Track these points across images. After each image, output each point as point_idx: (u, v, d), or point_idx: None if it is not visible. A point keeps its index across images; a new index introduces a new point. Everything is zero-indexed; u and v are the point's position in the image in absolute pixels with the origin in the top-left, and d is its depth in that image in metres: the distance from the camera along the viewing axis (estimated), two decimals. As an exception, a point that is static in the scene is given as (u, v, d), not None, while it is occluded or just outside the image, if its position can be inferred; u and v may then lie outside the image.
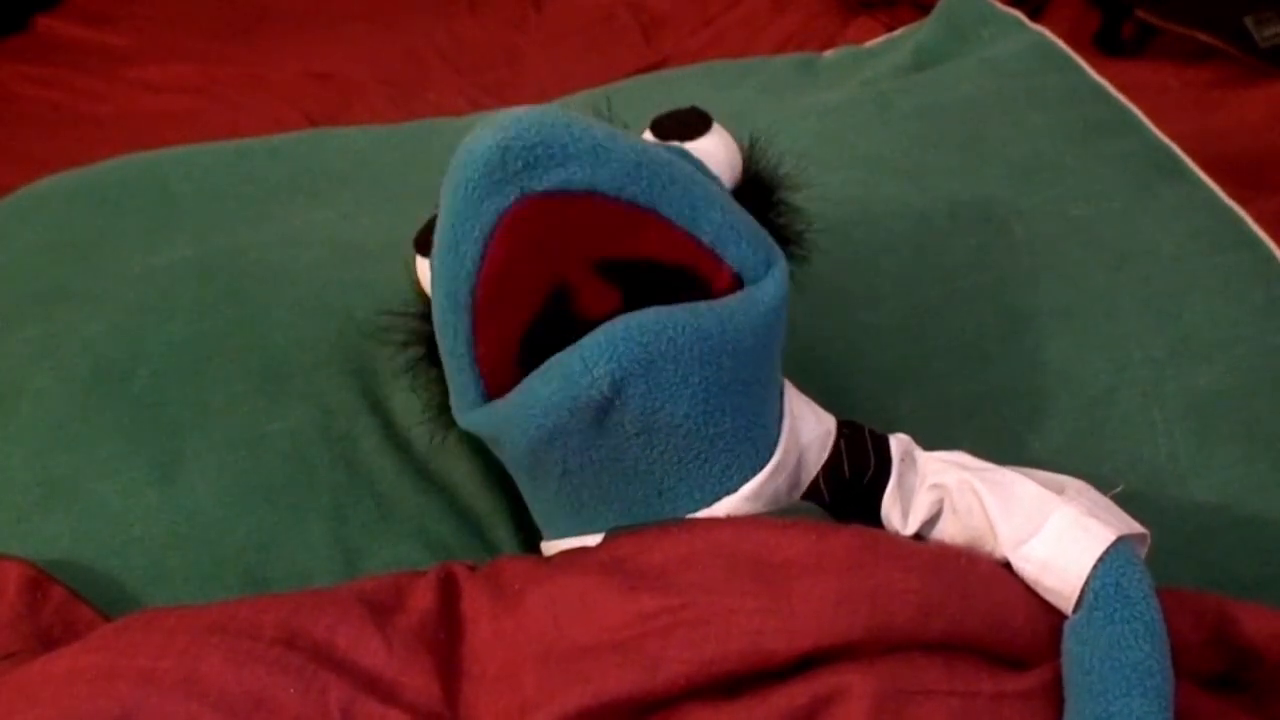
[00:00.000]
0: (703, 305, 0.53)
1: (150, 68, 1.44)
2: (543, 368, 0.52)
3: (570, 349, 0.51)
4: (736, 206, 0.56)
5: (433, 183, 0.62)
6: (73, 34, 1.52)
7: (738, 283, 0.55)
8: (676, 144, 0.58)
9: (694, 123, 0.59)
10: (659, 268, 0.53)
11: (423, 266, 0.60)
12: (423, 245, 0.60)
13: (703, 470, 0.53)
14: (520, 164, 0.50)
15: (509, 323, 0.53)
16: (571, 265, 0.52)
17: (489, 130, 0.50)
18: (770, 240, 0.57)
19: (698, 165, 0.57)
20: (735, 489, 0.54)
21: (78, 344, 0.69)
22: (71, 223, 0.79)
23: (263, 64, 1.45)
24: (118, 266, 0.74)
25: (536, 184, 0.50)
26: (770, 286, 0.55)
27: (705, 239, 0.54)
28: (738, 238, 0.54)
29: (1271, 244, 0.79)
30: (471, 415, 0.56)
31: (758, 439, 0.55)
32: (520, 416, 0.53)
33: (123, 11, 1.55)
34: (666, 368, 0.50)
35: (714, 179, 0.58)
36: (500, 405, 0.54)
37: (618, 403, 0.50)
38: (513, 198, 0.50)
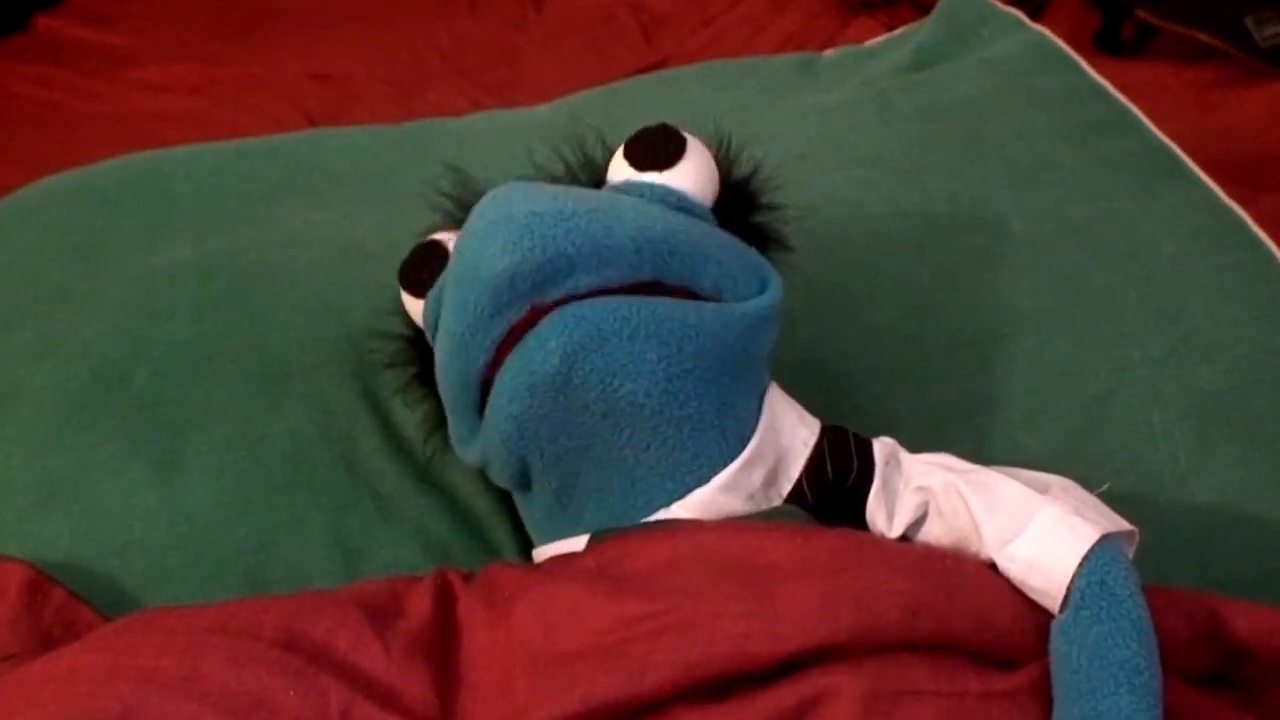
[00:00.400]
0: (667, 299, 0.53)
1: (150, 68, 1.44)
2: (505, 362, 0.53)
3: (526, 335, 0.52)
4: (727, 244, 0.57)
5: (433, 183, 0.62)
6: (73, 34, 1.52)
7: None
8: (654, 176, 0.58)
9: (669, 147, 0.59)
10: None
11: (410, 301, 0.61)
12: (408, 282, 0.60)
13: (671, 457, 0.54)
14: (528, 285, 0.51)
15: None
16: None
17: (492, 252, 0.51)
18: (763, 264, 0.58)
19: (679, 201, 0.58)
20: (707, 479, 0.55)
21: (78, 344, 0.69)
22: (71, 223, 0.79)
23: (263, 64, 1.45)
24: (118, 266, 0.74)
25: (546, 297, 0.52)
26: (755, 301, 0.56)
27: (705, 291, 0.55)
28: (734, 282, 0.56)
29: (1271, 244, 0.79)
30: (465, 451, 0.58)
31: (728, 429, 0.55)
32: (494, 416, 0.54)
33: (123, 11, 1.55)
34: (621, 345, 0.51)
35: (698, 209, 0.58)
36: (483, 423, 0.56)
37: (575, 379, 0.51)
38: (523, 312, 0.52)
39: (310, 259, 0.74)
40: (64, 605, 0.58)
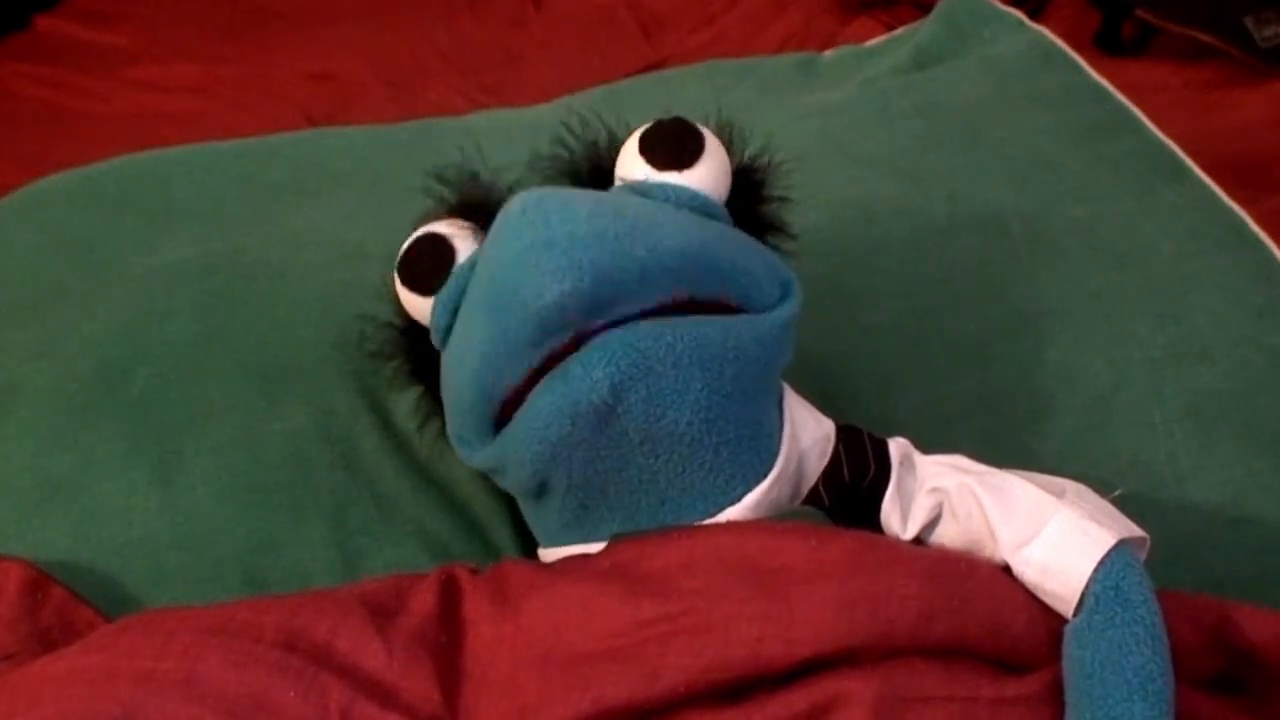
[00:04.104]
0: (704, 317, 0.53)
1: (150, 68, 1.44)
2: (543, 383, 0.52)
3: (568, 360, 0.51)
4: (751, 250, 0.57)
5: (435, 172, 0.61)
6: (73, 34, 1.52)
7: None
8: (674, 176, 0.57)
9: (687, 145, 0.57)
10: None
11: (409, 296, 0.59)
12: (408, 277, 0.58)
13: (707, 481, 0.53)
14: (576, 313, 0.50)
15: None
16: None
17: (540, 279, 0.49)
18: (783, 267, 0.58)
19: (703, 205, 0.57)
20: (739, 498, 0.54)
21: (78, 344, 0.69)
22: (71, 223, 0.79)
23: (263, 64, 1.45)
24: (118, 266, 0.74)
25: (590, 325, 0.51)
26: (780, 311, 0.56)
27: (732, 301, 0.54)
28: (759, 289, 0.55)
29: (1271, 244, 0.79)
30: (470, 454, 0.57)
31: (761, 448, 0.55)
32: (524, 434, 0.52)
33: (123, 11, 1.55)
34: (667, 373, 0.50)
35: (719, 211, 0.58)
36: (501, 436, 0.54)
37: (619, 410, 0.50)
38: (565, 340, 0.51)
39: (310, 259, 0.74)
40: (64, 604, 0.58)
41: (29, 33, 1.53)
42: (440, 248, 0.57)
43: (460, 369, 0.55)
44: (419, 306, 0.59)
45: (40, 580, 0.58)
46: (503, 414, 0.54)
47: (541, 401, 0.51)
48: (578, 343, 0.51)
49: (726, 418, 0.52)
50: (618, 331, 0.51)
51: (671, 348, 0.50)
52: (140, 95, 1.40)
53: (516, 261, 0.50)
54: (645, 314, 0.51)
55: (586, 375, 0.50)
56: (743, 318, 0.54)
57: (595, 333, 0.51)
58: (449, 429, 0.59)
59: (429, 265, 0.57)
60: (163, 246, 0.76)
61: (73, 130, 1.34)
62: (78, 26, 1.52)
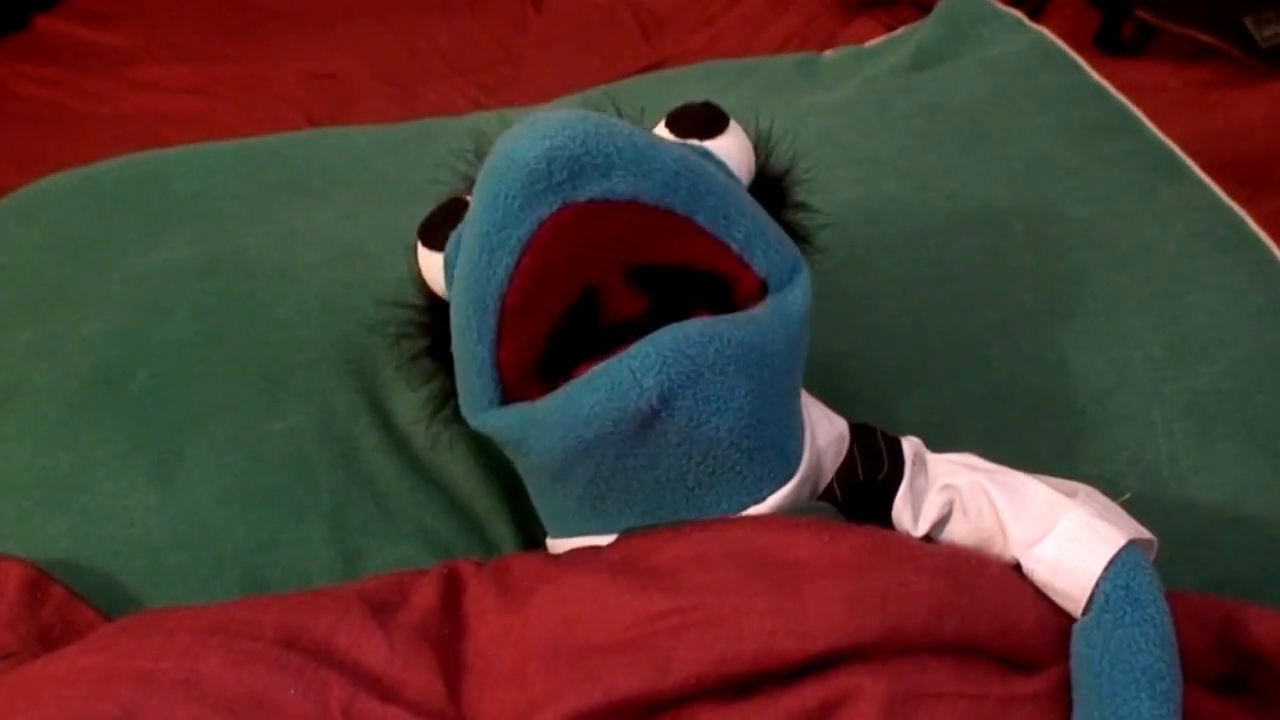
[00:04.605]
0: (742, 317, 0.53)
1: (150, 68, 1.44)
2: (586, 378, 0.51)
3: (617, 359, 0.50)
4: (763, 212, 0.56)
5: (433, 183, 0.62)
6: (73, 34, 1.51)
7: (763, 288, 0.55)
8: (697, 143, 0.57)
9: (712, 120, 0.58)
10: (689, 273, 0.54)
11: (428, 259, 0.59)
12: (429, 236, 0.59)
13: (735, 481, 0.53)
14: (565, 174, 0.49)
15: (535, 326, 0.53)
16: (604, 271, 0.53)
17: (532, 137, 0.49)
18: (794, 246, 0.57)
19: (721, 166, 0.57)
20: (764, 498, 0.54)
21: (77, 344, 0.69)
22: (71, 223, 0.79)
23: (263, 64, 1.45)
24: (118, 266, 0.74)
25: (580, 193, 0.50)
26: (798, 294, 0.55)
27: (735, 246, 0.54)
28: (766, 245, 0.54)
29: (1271, 244, 0.79)
30: (487, 417, 0.56)
31: (789, 451, 0.55)
32: (559, 424, 0.52)
33: (123, 11, 1.55)
34: (714, 380, 0.50)
35: (737, 181, 0.58)
36: (529, 410, 0.54)
37: (664, 414, 0.50)
38: (555, 206, 0.50)
39: (310, 259, 0.74)
40: (63, 604, 0.58)
41: (29, 33, 1.52)
42: (456, 206, 0.58)
43: (460, 271, 0.54)
44: (435, 267, 0.59)
45: (40, 580, 0.58)
46: (500, 332, 0.53)
47: (585, 400, 0.51)
48: (567, 216, 0.50)
49: (764, 422, 0.52)
50: (665, 335, 0.50)
51: (720, 354, 0.50)
52: (140, 95, 1.40)
53: (511, 133, 0.50)
54: (642, 209, 0.51)
55: (636, 383, 0.49)
56: (771, 312, 0.54)
57: (585, 203, 0.50)
58: (459, 391, 0.57)
59: (444, 221, 0.58)
60: (163, 246, 0.75)
61: (73, 130, 1.33)
62: (78, 26, 1.52)
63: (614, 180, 0.50)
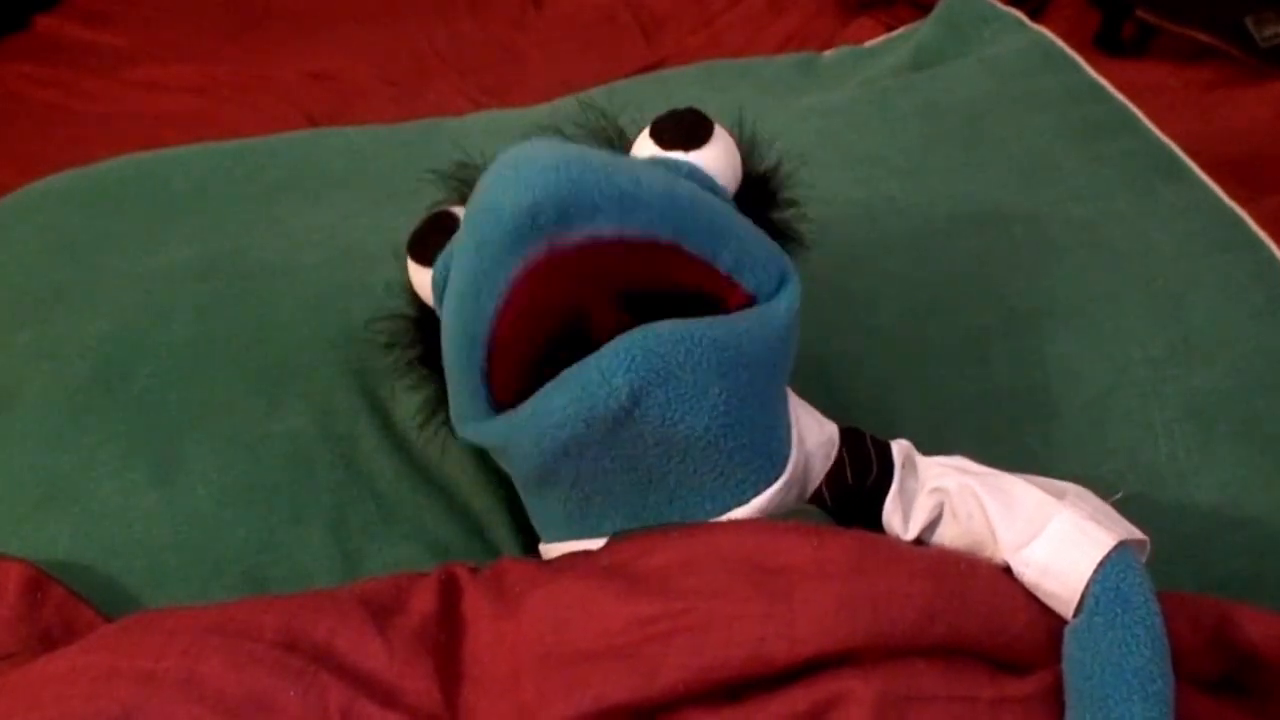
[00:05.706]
0: (719, 318, 0.53)
1: (150, 68, 1.44)
2: (558, 380, 0.52)
3: (586, 360, 0.51)
4: (749, 227, 0.56)
5: (433, 184, 0.62)
6: (73, 34, 1.51)
7: (751, 302, 0.55)
8: (680, 154, 0.57)
9: (696, 129, 0.58)
10: (678, 295, 0.54)
11: (417, 273, 0.60)
12: (417, 251, 0.60)
13: (718, 483, 0.53)
14: (548, 221, 0.49)
15: (524, 350, 0.53)
16: (592, 298, 0.53)
17: (516, 186, 0.49)
18: (783, 257, 0.57)
19: (704, 180, 0.57)
20: (748, 500, 0.54)
21: (77, 344, 0.69)
22: (71, 223, 0.79)
23: (263, 64, 1.45)
24: (118, 266, 0.74)
25: (565, 238, 0.50)
26: (784, 301, 0.55)
27: (724, 268, 0.54)
28: (754, 263, 0.55)
29: (1271, 244, 0.79)
30: (475, 428, 0.57)
31: (773, 452, 0.55)
32: (534, 428, 0.52)
33: (123, 11, 1.55)
34: (685, 379, 0.50)
35: (721, 192, 0.58)
36: (509, 418, 0.54)
37: (636, 414, 0.50)
38: (541, 251, 0.50)
39: (310, 259, 0.74)
40: (64, 604, 0.58)
41: (29, 33, 1.53)
42: (445, 221, 0.59)
43: (449, 306, 0.54)
44: (425, 281, 0.59)
45: (40, 580, 0.58)
46: (490, 364, 0.54)
47: (557, 402, 0.51)
48: (554, 260, 0.50)
49: (742, 422, 0.52)
50: (636, 334, 0.50)
51: (690, 353, 0.50)
52: (140, 95, 1.40)
53: (497, 176, 0.51)
54: (628, 243, 0.51)
55: (605, 382, 0.50)
56: (752, 316, 0.54)
57: (571, 246, 0.50)
58: (451, 410, 0.58)
59: (433, 236, 0.58)
60: (163, 246, 0.76)
61: (73, 130, 1.33)
62: (78, 26, 1.52)
63: (599, 222, 0.50)
